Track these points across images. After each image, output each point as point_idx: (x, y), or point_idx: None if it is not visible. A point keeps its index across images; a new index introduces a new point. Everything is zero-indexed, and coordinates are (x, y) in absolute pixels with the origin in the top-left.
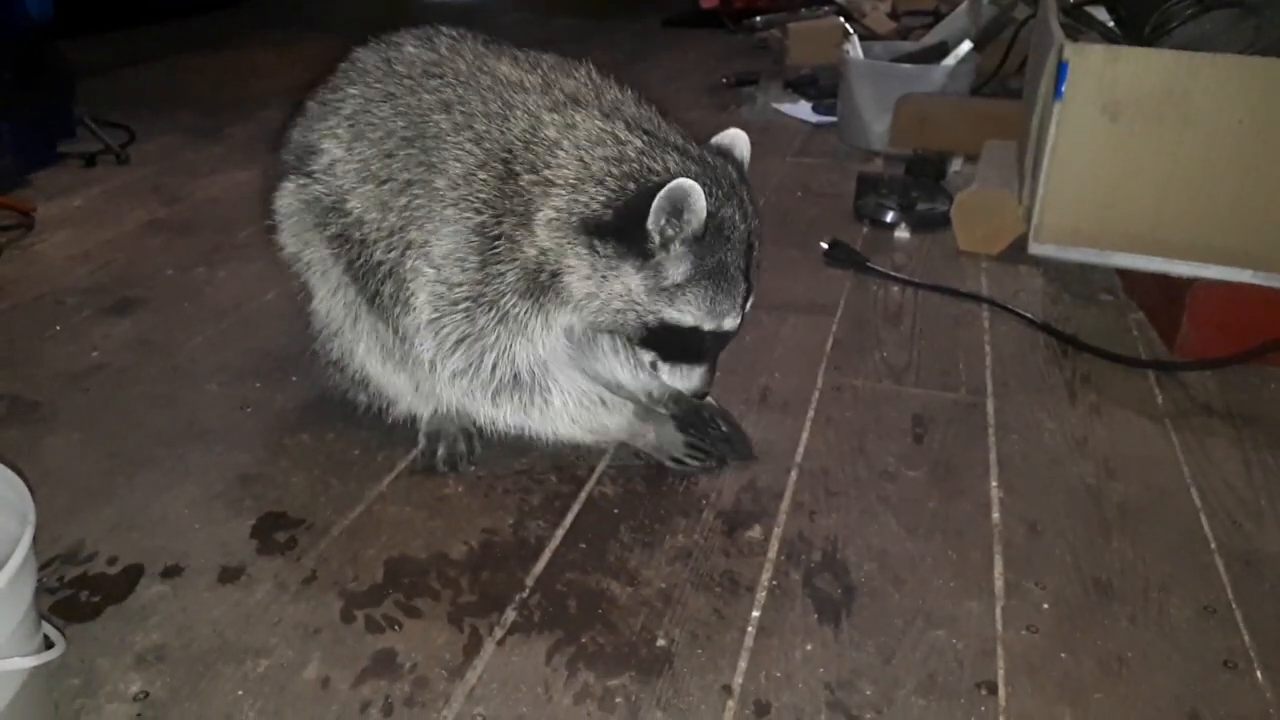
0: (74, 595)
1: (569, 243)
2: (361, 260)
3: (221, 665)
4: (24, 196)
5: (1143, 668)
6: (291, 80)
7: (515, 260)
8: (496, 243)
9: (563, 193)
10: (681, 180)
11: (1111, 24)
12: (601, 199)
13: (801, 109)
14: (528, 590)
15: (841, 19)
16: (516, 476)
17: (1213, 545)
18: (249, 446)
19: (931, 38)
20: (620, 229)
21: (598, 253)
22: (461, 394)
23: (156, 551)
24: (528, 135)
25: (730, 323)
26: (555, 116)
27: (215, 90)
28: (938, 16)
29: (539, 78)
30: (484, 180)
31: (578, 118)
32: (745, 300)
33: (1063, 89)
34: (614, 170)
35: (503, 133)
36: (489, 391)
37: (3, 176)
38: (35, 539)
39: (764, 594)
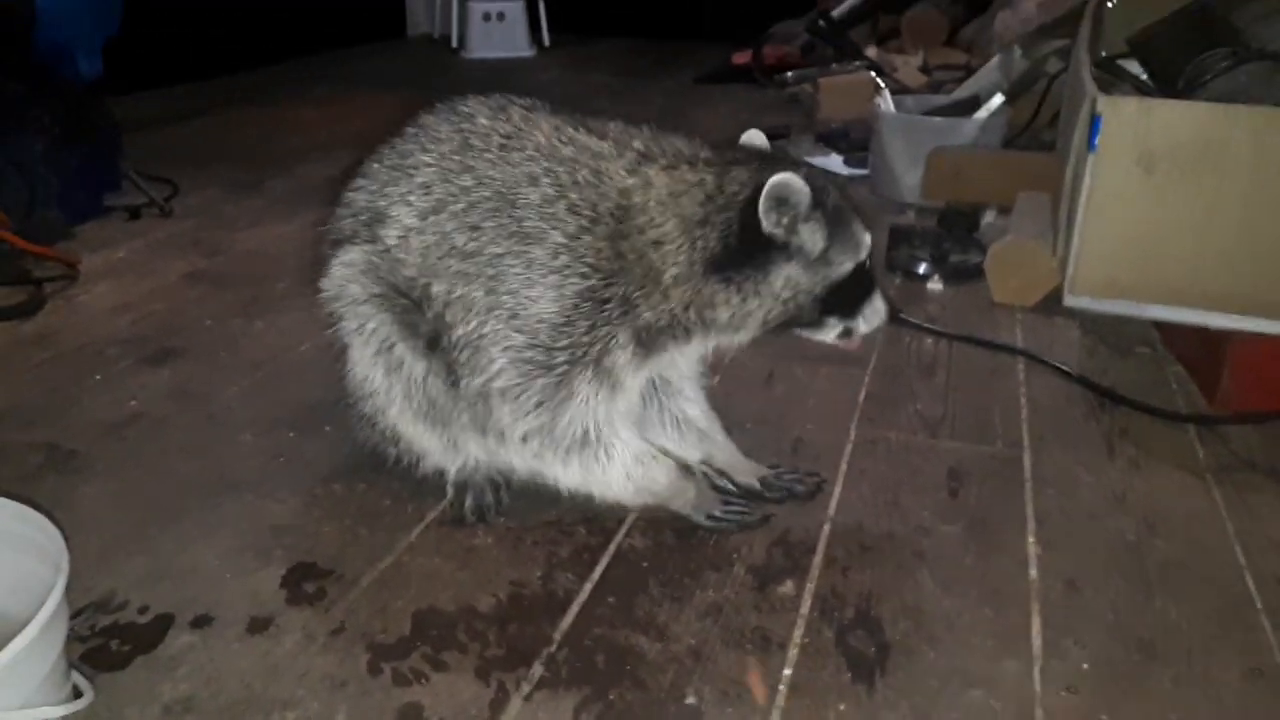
0: (104, 644)
1: (704, 288)
2: (445, 339)
3: (248, 717)
4: (69, 248)
5: None
6: (330, 136)
7: (626, 322)
8: (606, 305)
9: (675, 248)
10: (774, 180)
11: (1144, 77)
12: (715, 236)
13: (833, 162)
14: (555, 645)
15: (873, 73)
16: (545, 528)
17: (1259, 605)
18: (281, 496)
19: (963, 91)
20: (748, 250)
21: (736, 282)
22: (532, 456)
23: (187, 601)
24: (621, 200)
25: (869, 237)
26: (634, 180)
27: (256, 145)
28: (969, 70)
29: (611, 143)
30: (588, 244)
31: (650, 174)
32: (862, 213)
33: (1096, 141)
34: (709, 207)
35: (599, 198)
36: (560, 451)
37: (50, 229)
38: (68, 587)
39: (796, 651)
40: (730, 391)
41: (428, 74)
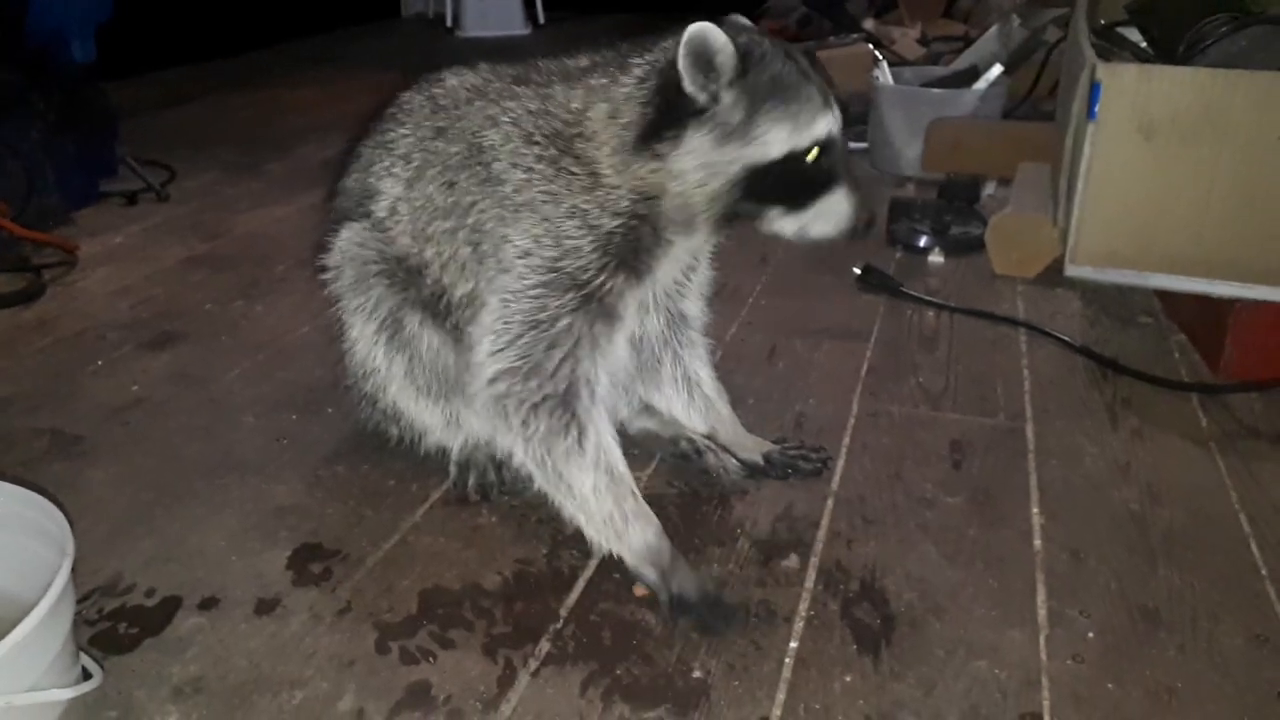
0: (112, 627)
1: (638, 167)
2: (444, 300)
3: (257, 697)
4: (67, 234)
5: (1193, 699)
6: (327, 117)
7: (587, 234)
8: (563, 222)
9: (607, 134)
10: (690, 28)
11: (1144, 44)
12: (638, 109)
13: None
14: (562, 621)
15: (870, 46)
16: (549, 505)
17: (1263, 572)
18: (285, 478)
19: (961, 62)
20: (668, 113)
21: (660, 153)
22: (495, 400)
23: (194, 583)
24: (567, 115)
25: (824, 124)
26: (576, 92)
27: (253, 128)
28: (967, 41)
29: (559, 71)
30: (542, 170)
31: (591, 80)
32: (826, 96)
33: (1096, 110)
34: (632, 80)
35: (548, 121)
36: (527, 405)
37: (47, 215)
38: (75, 571)
39: (801, 624)
40: (732, 368)
41: (423, 53)
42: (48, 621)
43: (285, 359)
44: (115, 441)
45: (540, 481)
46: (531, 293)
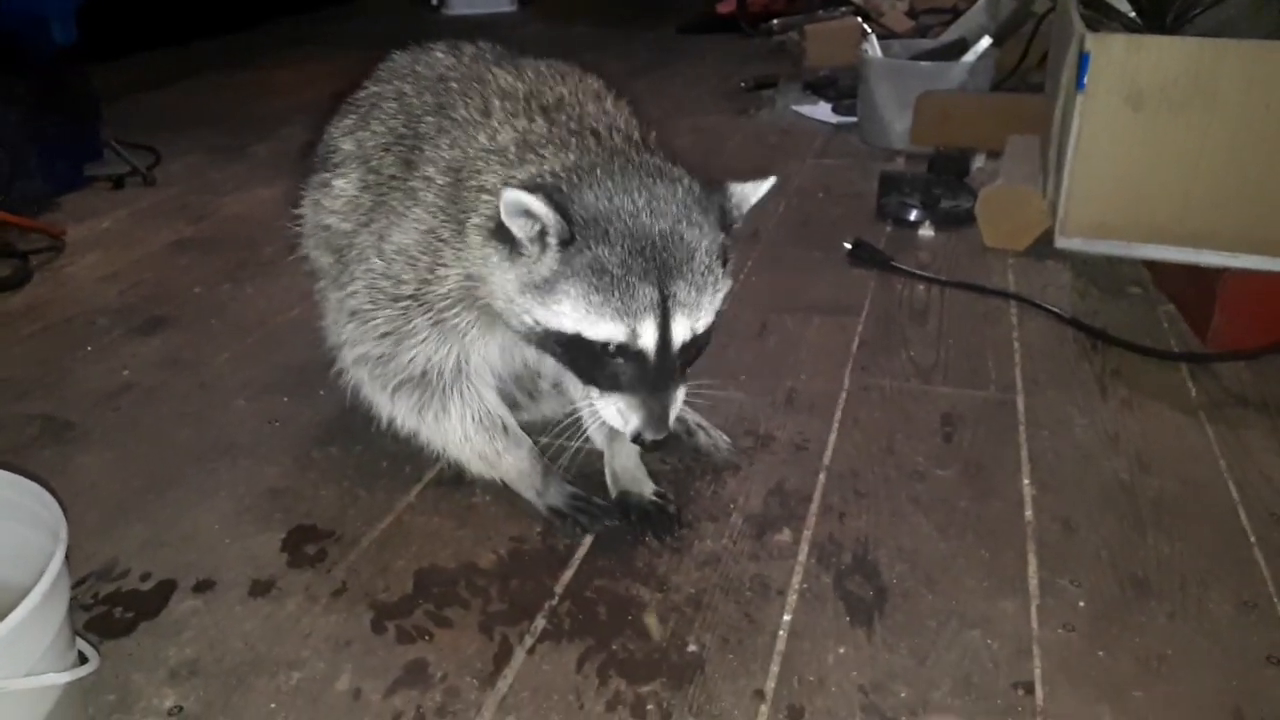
0: (108, 611)
1: (484, 247)
2: (332, 233)
3: (254, 678)
4: (53, 219)
5: (1183, 665)
6: (312, 97)
7: (453, 269)
8: (442, 247)
9: (490, 199)
10: (505, 192)
11: (1133, 14)
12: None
13: (821, 110)
14: (557, 598)
15: (859, 19)
16: None
17: (1252, 539)
18: (277, 460)
19: (950, 35)
20: (507, 233)
21: (499, 251)
22: (366, 378)
23: (188, 566)
24: (488, 143)
25: (626, 331)
26: (506, 129)
27: (237, 109)
28: (956, 13)
29: (526, 86)
30: (441, 185)
31: (521, 124)
32: (659, 308)
33: (1085, 80)
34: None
35: (469, 140)
36: (390, 384)
37: (32, 200)
38: (69, 556)
39: (795, 597)
40: (723, 345)
41: (408, 32)
42: (43, 606)
43: (275, 341)
44: (106, 427)
45: (420, 437)
46: (400, 305)
